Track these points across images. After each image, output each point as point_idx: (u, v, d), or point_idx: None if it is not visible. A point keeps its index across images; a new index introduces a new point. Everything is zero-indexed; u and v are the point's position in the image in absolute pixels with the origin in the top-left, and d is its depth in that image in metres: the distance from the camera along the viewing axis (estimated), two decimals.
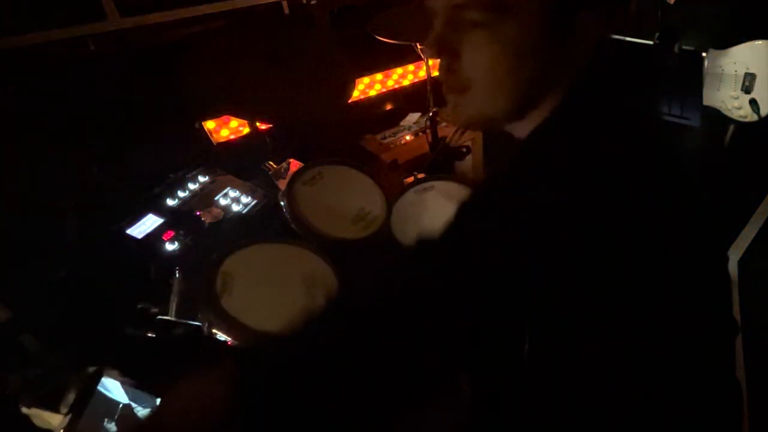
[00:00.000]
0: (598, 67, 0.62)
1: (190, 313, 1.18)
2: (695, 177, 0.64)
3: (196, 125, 1.88)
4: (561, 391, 0.60)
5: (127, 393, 1.12)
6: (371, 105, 2.41)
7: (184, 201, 1.46)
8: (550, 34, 0.58)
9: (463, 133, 1.87)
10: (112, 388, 1.11)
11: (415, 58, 2.24)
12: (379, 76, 2.40)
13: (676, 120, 1.86)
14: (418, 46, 1.66)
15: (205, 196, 1.49)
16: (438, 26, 0.62)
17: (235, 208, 1.47)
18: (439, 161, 1.86)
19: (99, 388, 1.08)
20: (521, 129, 0.67)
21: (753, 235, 2.03)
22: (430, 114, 1.81)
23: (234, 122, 1.97)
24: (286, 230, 1.32)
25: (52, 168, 1.55)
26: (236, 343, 1.06)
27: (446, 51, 0.62)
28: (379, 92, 2.43)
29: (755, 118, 1.88)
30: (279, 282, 1.18)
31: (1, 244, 1.35)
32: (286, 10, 2.16)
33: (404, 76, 2.48)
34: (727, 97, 1.94)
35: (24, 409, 1.08)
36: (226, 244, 1.20)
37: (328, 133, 1.87)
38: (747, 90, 1.89)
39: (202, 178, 1.54)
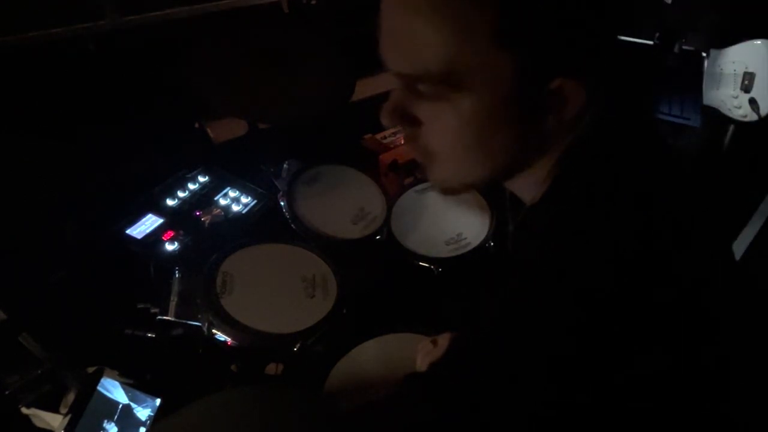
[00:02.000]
0: (598, 128, 0.57)
1: (190, 313, 1.18)
2: (695, 177, 0.63)
3: (196, 125, 1.88)
4: None
5: (127, 393, 1.12)
6: (371, 105, 2.41)
7: (184, 201, 1.46)
8: (518, 105, 0.53)
9: None
10: (112, 388, 1.11)
11: None
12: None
13: (676, 120, 1.86)
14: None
15: (205, 196, 1.49)
16: (393, 94, 0.57)
17: (235, 208, 1.47)
18: None
19: (99, 388, 1.08)
20: (521, 187, 0.64)
21: (753, 235, 2.03)
22: None
23: (234, 122, 1.96)
24: (286, 230, 1.32)
25: (51, 168, 1.55)
26: (236, 343, 1.06)
27: (405, 120, 0.57)
28: (379, 92, 2.42)
29: (755, 117, 1.89)
30: (279, 282, 1.18)
31: (1, 243, 1.35)
32: (286, 10, 2.16)
33: None
34: (726, 97, 1.95)
35: (24, 409, 1.08)
36: (226, 244, 1.20)
37: (328, 133, 1.86)
38: (746, 89, 1.90)
39: (202, 178, 1.54)
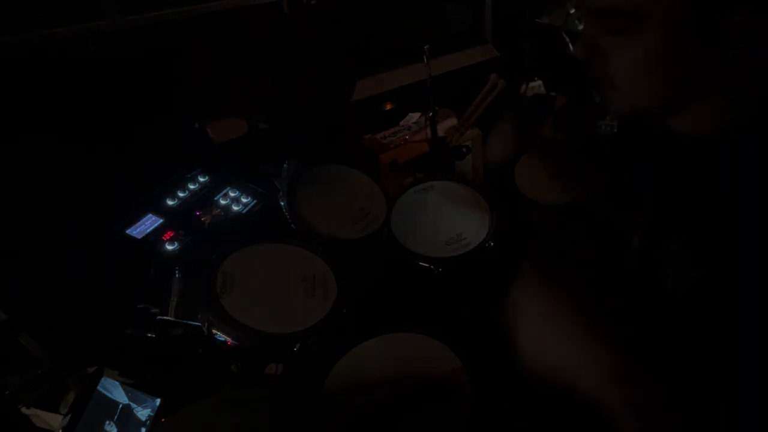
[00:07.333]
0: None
1: (190, 313, 1.18)
2: None
3: (196, 125, 1.88)
4: None
5: (127, 393, 1.12)
6: (371, 105, 2.41)
7: (184, 201, 1.46)
8: (695, 40, 0.59)
9: (463, 133, 1.86)
10: (112, 388, 1.11)
11: (415, 57, 2.24)
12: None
13: None
14: None
15: (205, 196, 1.49)
16: (586, 30, 0.67)
17: (235, 208, 1.47)
18: (439, 161, 1.86)
19: (99, 388, 1.08)
20: (680, 122, 0.70)
21: None
22: (430, 114, 1.80)
23: (234, 122, 1.96)
24: (286, 230, 1.32)
25: (52, 168, 1.55)
26: (236, 343, 1.06)
27: (594, 53, 0.67)
28: (379, 92, 2.42)
29: None
30: (279, 282, 1.18)
31: (1, 244, 1.35)
32: (286, 10, 2.16)
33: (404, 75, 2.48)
34: None
35: (24, 409, 1.09)
36: (226, 244, 1.20)
37: (328, 133, 1.87)
38: None
39: (202, 178, 1.54)
